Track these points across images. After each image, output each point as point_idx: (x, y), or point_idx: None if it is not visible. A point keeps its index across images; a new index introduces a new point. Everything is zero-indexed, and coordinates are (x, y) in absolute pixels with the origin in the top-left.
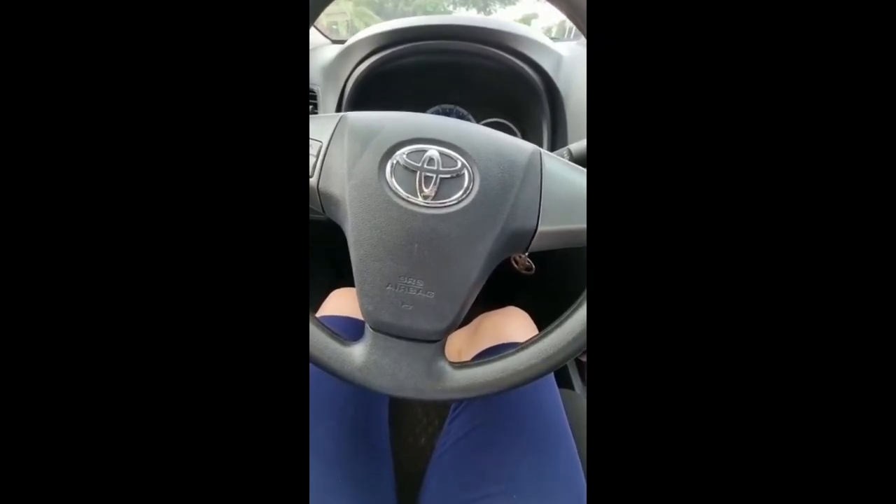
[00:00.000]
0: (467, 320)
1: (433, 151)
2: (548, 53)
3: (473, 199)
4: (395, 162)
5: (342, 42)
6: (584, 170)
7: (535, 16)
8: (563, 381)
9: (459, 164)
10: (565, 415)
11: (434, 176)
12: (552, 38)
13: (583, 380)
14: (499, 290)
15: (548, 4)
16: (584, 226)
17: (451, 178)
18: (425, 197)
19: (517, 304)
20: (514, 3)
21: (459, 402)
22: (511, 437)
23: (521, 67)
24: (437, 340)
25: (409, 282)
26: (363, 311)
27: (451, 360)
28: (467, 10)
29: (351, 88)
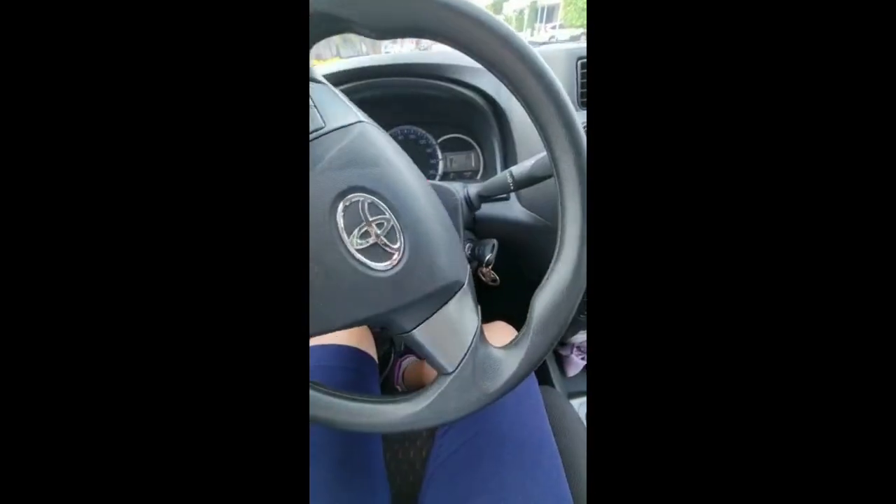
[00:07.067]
0: None
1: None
2: (487, 77)
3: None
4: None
5: None
6: None
7: None
8: (542, 377)
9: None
10: (547, 420)
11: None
12: (525, 20)
13: (562, 372)
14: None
15: None
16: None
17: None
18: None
19: (494, 313)
20: None
21: None
22: (496, 451)
23: (464, 93)
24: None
25: None
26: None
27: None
28: None
29: None
